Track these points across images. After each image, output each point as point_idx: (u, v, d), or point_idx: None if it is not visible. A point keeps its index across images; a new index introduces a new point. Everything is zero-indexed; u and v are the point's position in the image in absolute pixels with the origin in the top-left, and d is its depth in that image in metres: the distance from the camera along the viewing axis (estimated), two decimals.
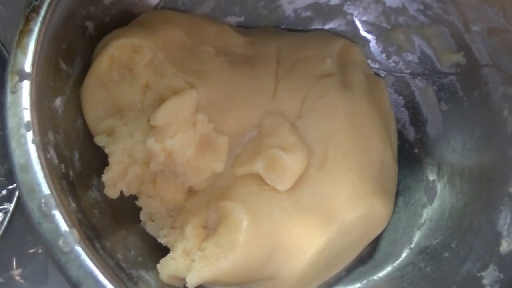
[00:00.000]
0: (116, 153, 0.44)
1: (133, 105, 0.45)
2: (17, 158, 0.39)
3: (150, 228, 0.46)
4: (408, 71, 0.54)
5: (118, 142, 0.44)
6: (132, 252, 0.45)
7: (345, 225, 0.45)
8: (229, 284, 0.45)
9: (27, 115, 0.40)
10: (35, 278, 0.53)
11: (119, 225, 0.45)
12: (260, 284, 0.45)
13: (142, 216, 0.46)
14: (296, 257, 0.44)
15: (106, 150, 0.44)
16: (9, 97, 0.40)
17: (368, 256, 0.50)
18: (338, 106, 0.48)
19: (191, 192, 0.46)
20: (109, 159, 0.44)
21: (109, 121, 0.45)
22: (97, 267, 0.37)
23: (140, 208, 0.46)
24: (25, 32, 0.41)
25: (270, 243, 0.44)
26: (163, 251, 0.46)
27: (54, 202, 0.38)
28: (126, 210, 0.46)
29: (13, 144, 0.39)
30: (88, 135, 0.45)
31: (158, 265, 0.44)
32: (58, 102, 0.43)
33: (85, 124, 0.45)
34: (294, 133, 0.47)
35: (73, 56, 0.44)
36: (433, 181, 0.52)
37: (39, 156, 0.39)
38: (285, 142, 0.46)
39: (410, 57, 0.54)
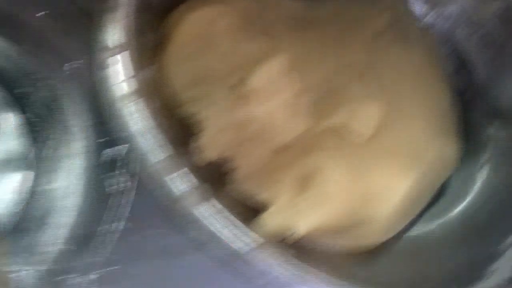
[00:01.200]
0: (210, 117, 0.45)
1: (216, 73, 0.46)
2: (130, 125, 0.40)
3: (242, 189, 0.47)
4: (450, 22, 0.57)
5: (211, 107, 0.45)
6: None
7: (425, 166, 0.48)
8: (328, 232, 0.46)
9: (127, 86, 0.41)
10: None
11: (215, 188, 0.46)
12: (354, 230, 0.47)
13: (234, 178, 0.47)
14: (386, 200, 0.47)
15: (196, 117, 0.45)
16: (111, 67, 0.41)
17: (439, 196, 0.53)
18: (399, 59, 0.50)
19: (278, 150, 0.48)
20: (201, 125, 0.45)
21: (194, 90, 0.46)
22: (218, 228, 0.39)
23: (232, 170, 0.47)
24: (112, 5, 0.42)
25: (361, 189, 0.46)
26: (254, 212, 0.47)
27: (170, 166, 0.39)
28: (218, 173, 0.47)
29: (123, 113, 0.40)
30: (175, 104, 0.46)
31: (259, 221, 0.45)
32: (147, 73, 0.44)
33: (170, 94, 0.46)
34: (366, 86, 0.49)
35: (156, 26, 0.45)
36: (489, 124, 0.54)
37: (149, 123, 0.40)
38: (360, 95, 0.48)
39: (451, 7, 0.56)
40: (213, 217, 0.39)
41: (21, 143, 0.53)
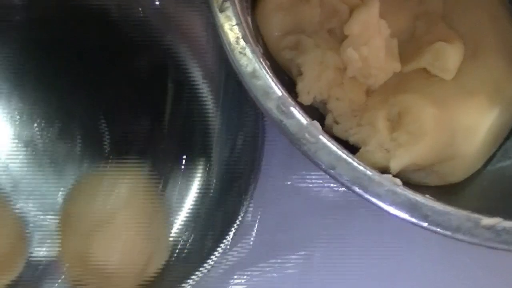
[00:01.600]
0: (307, 62, 0.48)
1: (312, 19, 0.49)
2: (244, 68, 0.42)
3: (336, 131, 0.50)
4: None
5: (307, 53, 0.48)
6: None
7: (504, 103, 0.51)
8: (421, 166, 0.49)
9: (240, 30, 0.43)
10: None
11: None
12: (443, 165, 0.50)
13: (328, 121, 0.50)
14: (470, 137, 0.50)
15: (296, 62, 0.48)
16: (221, 16, 0.43)
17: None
18: (476, 2, 0.53)
19: (368, 91, 0.51)
20: (301, 69, 0.48)
21: (291, 37, 0.49)
22: (342, 151, 0.41)
23: (326, 113, 0.50)
24: None
25: (450, 125, 0.49)
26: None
27: (289, 101, 0.42)
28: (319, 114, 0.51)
29: (236, 55, 0.42)
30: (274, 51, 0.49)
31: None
32: (249, 19, 0.46)
33: (269, 42, 0.49)
34: (445, 30, 0.52)
35: None
36: None
37: (262, 63, 0.42)
38: (444, 36, 0.51)
39: None
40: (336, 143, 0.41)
41: None
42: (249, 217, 0.54)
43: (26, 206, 0.52)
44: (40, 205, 0.52)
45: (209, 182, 0.54)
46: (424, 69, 0.50)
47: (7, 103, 0.53)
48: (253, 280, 0.53)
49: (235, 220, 0.50)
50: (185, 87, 0.56)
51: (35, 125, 0.54)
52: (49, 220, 0.51)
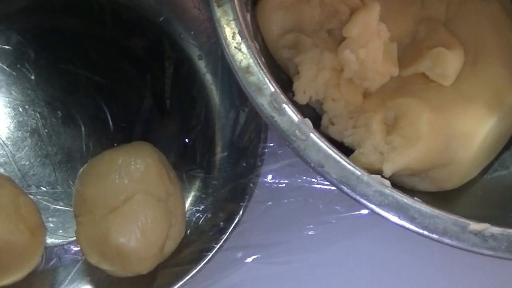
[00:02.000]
0: (305, 62, 0.48)
1: (312, 19, 0.49)
2: (238, 63, 0.42)
3: (332, 132, 0.50)
4: None
5: (305, 52, 0.48)
6: None
7: (504, 110, 0.50)
8: (415, 171, 0.49)
9: (236, 25, 0.43)
10: None
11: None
12: (438, 171, 0.50)
13: (324, 121, 0.50)
14: (467, 143, 0.49)
15: (294, 60, 0.48)
16: (218, 11, 0.43)
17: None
18: (479, 10, 0.53)
19: (365, 94, 0.50)
20: (298, 68, 0.48)
21: (290, 36, 0.49)
22: (332, 150, 0.41)
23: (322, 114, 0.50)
24: None
25: (446, 131, 0.48)
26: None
27: (281, 97, 0.42)
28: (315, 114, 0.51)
29: (232, 50, 0.42)
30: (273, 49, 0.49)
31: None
32: (248, 17, 0.46)
33: (268, 39, 0.49)
34: (447, 36, 0.51)
35: None
36: None
37: (256, 59, 0.42)
38: (445, 42, 0.50)
39: None
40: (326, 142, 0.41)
41: None
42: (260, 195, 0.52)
43: (36, 195, 0.52)
44: (50, 194, 0.52)
45: (214, 160, 0.55)
46: (424, 74, 0.50)
47: (8, 95, 0.54)
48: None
49: (244, 198, 0.49)
50: (183, 66, 0.56)
51: (38, 115, 0.54)
52: (62, 208, 0.52)
